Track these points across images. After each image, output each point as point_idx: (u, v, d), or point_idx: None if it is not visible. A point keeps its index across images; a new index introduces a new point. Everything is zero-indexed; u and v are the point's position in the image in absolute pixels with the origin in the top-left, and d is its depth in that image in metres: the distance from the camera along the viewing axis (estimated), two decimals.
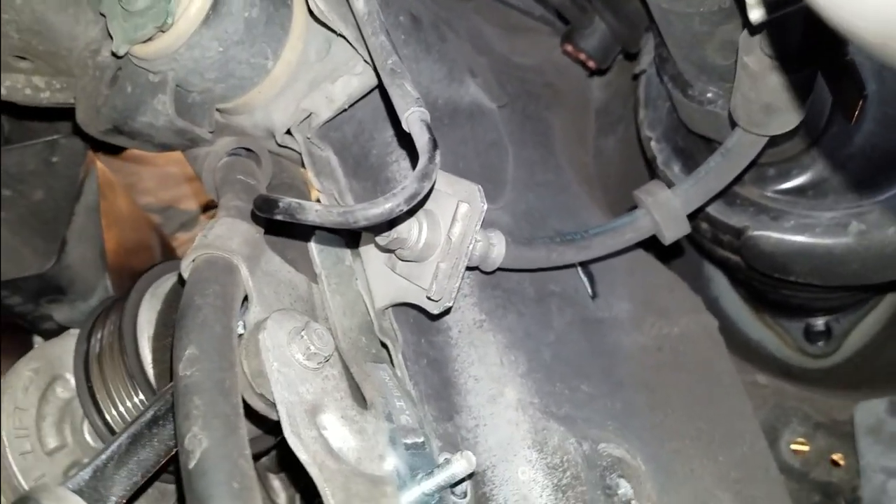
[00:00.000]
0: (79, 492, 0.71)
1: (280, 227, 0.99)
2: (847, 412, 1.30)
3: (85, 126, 1.02)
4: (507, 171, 1.12)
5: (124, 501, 0.75)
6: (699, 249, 1.44)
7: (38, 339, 1.56)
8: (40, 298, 1.29)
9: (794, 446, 1.32)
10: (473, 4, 1.37)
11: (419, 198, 0.74)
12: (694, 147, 1.25)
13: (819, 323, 1.57)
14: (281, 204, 0.74)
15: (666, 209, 0.99)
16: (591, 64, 1.30)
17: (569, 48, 1.31)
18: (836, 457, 1.32)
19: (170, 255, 1.65)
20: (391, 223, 0.86)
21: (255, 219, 0.89)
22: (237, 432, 0.69)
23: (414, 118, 0.79)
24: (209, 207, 1.73)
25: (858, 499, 1.29)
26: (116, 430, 0.98)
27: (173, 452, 0.80)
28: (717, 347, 1.16)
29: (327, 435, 0.79)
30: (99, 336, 1.00)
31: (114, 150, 1.46)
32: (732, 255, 1.29)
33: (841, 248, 1.16)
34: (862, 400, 1.33)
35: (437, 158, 0.76)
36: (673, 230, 1.00)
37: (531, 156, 1.16)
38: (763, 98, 0.89)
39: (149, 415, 0.80)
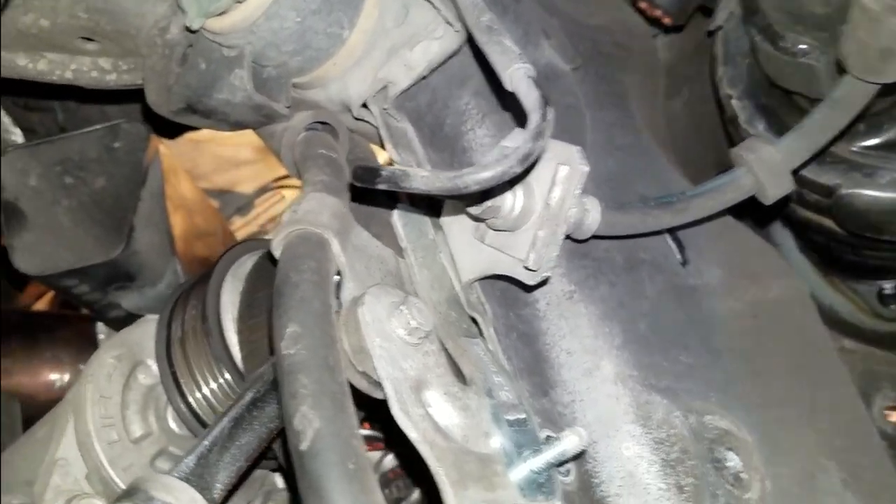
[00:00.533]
0: (185, 480, 0.68)
1: (362, 199, 0.95)
2: None
3: (156, 107, 0.98)
4: (585, 134, 1.07)
5: (230, 488, 0.72)
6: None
7: (101, 328, 1.55)
8: (108, 286, 1.26)
9: (887, 412, 1.27)
10: None
11: (533, 158, 0.69)
12: (777, 104, 1.18)
13: (892, 285, 1.51)
14: (383, 172, 0.69)
15: (769, 166, 0.93)
16: (668, 20, 1.23)
17: (643, 5, 1.24)
18: None
19: (229, 239, 1.62)
20: (485, 192, 0.82)
21: (350, 190, 0.85)
22: (346, 410, 0.66)
23: (519, 74, 0.74)
24: (264, 191, 1.70)
25: None
26: (201, 414, 0.96)
27: (274, 435, 0.77)
28: (810, 313, 1.10)
29: (432, 412, 0.75)
30: (180, 320, 0.97)
31: (171, 135, 1.42)
32: (817, 215, 1.23)
33: None
34: None
35: (551, 115, 0.71)
36: (776, 188, 0.94)
37: (608, 118, 1.11)
38: (882, 42, 0.82)
39: (248, 397, 0.77)
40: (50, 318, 1.68)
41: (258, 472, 1.01)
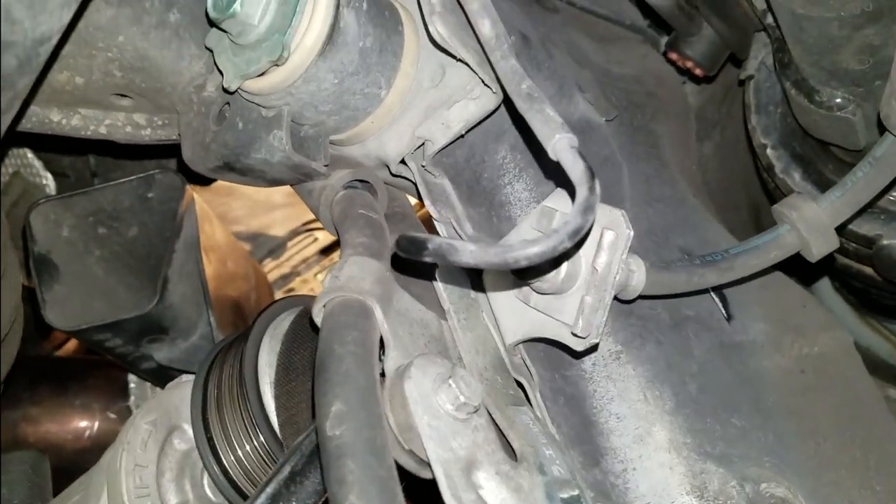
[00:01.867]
0: None
1: (403, 264, 0.89)
2: None
3: (193, 164, 0.94)
4: (623, 187, 1.01)
5: None
6: None
7: (132, 378, 1.49)
8: (141, 339, 1.21)
9: None
10: (562, 17, 1.26)
11: (583, 233, 0.64)
12: (813, 154, 1.13)
13: None
14: (430, 245, 0.64)
15: (813, 224, 0.87)
16: (699, 71, 1.18)
17: (674, 56, 1.19)
18: None
19: (261, 282, 1.56)
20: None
21: (392, 259, 0.79)
22: (395, 498, 0.60)
23: (563, 145, 0.69)
24: (296, 233, 1.65)
25: None
26: (237, 480, 0.89)
27: None
28: (856, 365, 1.03)
29: (484, 495, 0.69)
30: (216, 382, 0.91)
31: (205, 182, 1.38)
32: (857, 263, 1.17)
33: None
34: None
35: (598, 189, 0.65)
36: (821, 245, 0.88)
37: (645, 170, 1.05)
38: None
39: (286, 471, 0.71)
40: (80, 365, 1.63)
41: None
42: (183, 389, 0.93)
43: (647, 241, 0.98)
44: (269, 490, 0.70)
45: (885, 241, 1.06)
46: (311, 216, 1.98)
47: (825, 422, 0.94)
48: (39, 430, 1.46)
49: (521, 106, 0.74)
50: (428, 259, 0.64)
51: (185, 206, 1.20)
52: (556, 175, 0.87)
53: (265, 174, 0.89)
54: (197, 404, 0.90)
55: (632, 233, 0.75)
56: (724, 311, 0.97)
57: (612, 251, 0.76)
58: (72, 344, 1.84)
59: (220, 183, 1.45)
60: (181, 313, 1.19)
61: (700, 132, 1.39)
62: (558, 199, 0.82)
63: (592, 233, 0.76)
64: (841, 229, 1.12)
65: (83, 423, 1.44)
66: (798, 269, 1.39)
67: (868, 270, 1.18)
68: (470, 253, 0.63)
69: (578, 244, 0.69)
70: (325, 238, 1.87)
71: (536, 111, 0.72)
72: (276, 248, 1.66)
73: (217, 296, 1.33)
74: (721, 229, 1.09)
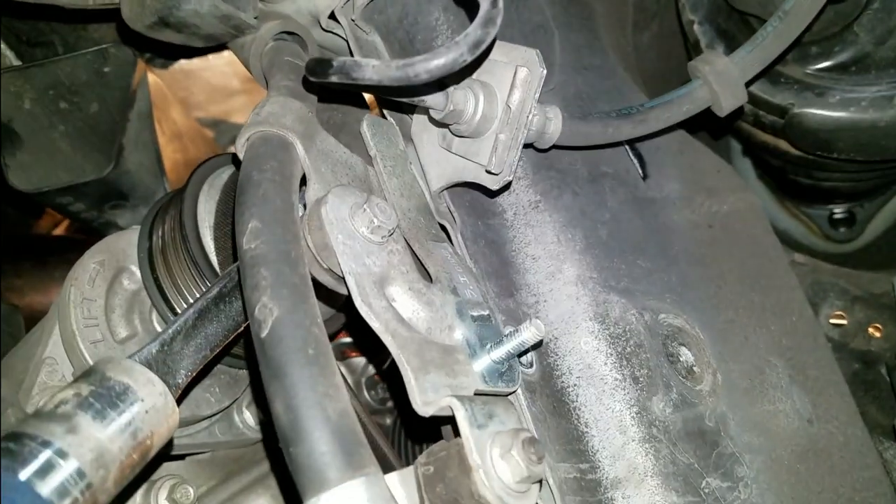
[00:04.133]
0: (146, 364, 0.62)
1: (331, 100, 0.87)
2: (883, 285, 1.19)
3: (131, 22, 0.90)
4: (554, 54, 0.99)
5: (193, 375, 0.66)
6: (736, 136, 1.30)
7: None
8: (104, 204, 1.19)
9: (833, 320, 1.22)
10: None
11: (483, 46, 0.61)
12: (736, 28, 1.11)
13: (842, 210, 1.45)
14: (335, 63, 0.62)
15: (724, 77, 0.86)
16: None
17: None
18: (874, 327, 1.21)
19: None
20: (446, 94, 0.74)
21: (308, 87, 0.77)
22: (307, 300, 0.60)
23: None
24: None
25: None
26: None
27: (241, 329, 0.71)
28: (762, 224, 1.04)
29: (396, 306, 0.69)
30: (160, 231, 0.90)
31: (163, 65, 1.33)
32: (773, 137, 1.16)
33: (885, 121, 1.05)
34: None
35: (501, 3, 0.63)
36: (730, 99, 0.87)
37: (577, 39, 1.02)
38: None
39: (214, 291, 0.71)
40: (60, 242, 1.61)
41: (243, 373, 0.96)
42: (130, 235, 0.92)
43: (574, 105, 0.96)
44: (197, 305, 0.70)
45: (796, 110, 1.05)
46: None
47: (728, 270, 0.95)
48: (24, 300, 1.45)
49: None
50: (333, 77, 0.62)
51: (137, 79, 1.16)
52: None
53: (198, 28, 0.85)
54: (144, 249, 0.89)
55: (545, 71, 0.73)
56: (640, 171, 0.96)
57: (525, 88, 0.74)
58: (59, 230, 1.81)
59: (176, 66, 1.41)
60: (139, 180, 1.17)
61: (638, 22, 1.35)
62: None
63: (507, 71, 0.74)
64: (757, 101, 1.11)
65: None
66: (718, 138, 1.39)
67: (783, 145, 1.17)
68: (373, 69, 0.61)
69: (479, 60, 0.67)
70: None
71: None
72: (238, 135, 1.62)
73: (180, 182, 1.30)
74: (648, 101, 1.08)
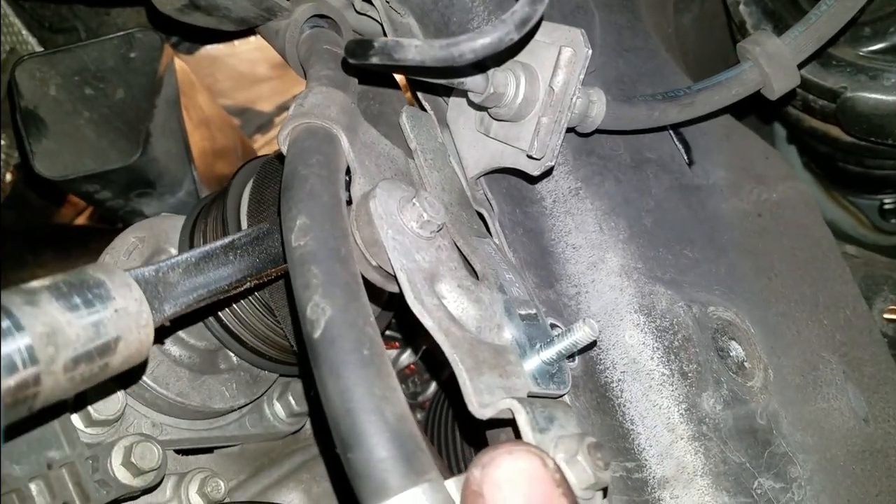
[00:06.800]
0: (138, 282, 0.60)
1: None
2: None
3: (160, 5, 0.90)
4: (595, 35, 0.97)
5: (182, 311, 0.66)
6: (783, 121, 1.27)
7: None
8: (130, 192, 1.20)
9: (887, 315, 1.19)
10: None
11: (531, 23, 0.59)
12: (783, 8, 1.08)
13: (893, 200, 1.42)
14: (376, 44, 0.60)
15: (776, 59, 0.83)
16: None
17: None
18: None
19: (249, 156, 1.54)
20: (486, 76, 0.73)
21: (346, 70, 0.76)
22: (360, 299, 0.59)
23: None
24: (283, 109, 1.61)
25: None
26: None
27: (244, 287, 0.71)
28: (814, 213, 1.01)
29: (447, 303, 0.68)
30: (202, 229, 0.90)
31: (189, 50, 1.33)
32: (823, 123, 1.13)
33: None
34: None
35: None
36: (783, 82, 0.84)
37: (618, 20, 1.00)
38: None
39: (226, 240, 0.70)
40: (83, 231, 1.62)
41: (266, 374, 0.96)
42: (174, 219, 0.93)
43: (616, 88, 0.94)
44: (206, 248, 0.71)
45: (849, 94, 1.02)
46: (297, 91, 1.94)
47: (778, 261, 0.92)
48: None
49: None
50: (375, 59, 0.61)
51: (164, 65, 1.16)
52: None
53: (230, 11, 0.85)
54: (186, 231, 0.90)
55: (590, 51, 0.72)
56: (685, 157, 0.94)
57: (569, 69, 0.72)
58: (81, 219, 1.83)
59: (203, 53, 1.41)
60: (165, 168, 1.17)
61: (679, 3, 1.32)
62: None
63: (550, 52, 0.73)
64: (808, 85, 1.08)
65: None
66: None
67: (834, 131, 1.15)
68: (416, 48, 0.60)
69: (526, 38, 0.65)
70: None
71: None
72: (264, 124, 1.61)
73: (206, 169, 1.31)
74: (691, 83, 1.05)
